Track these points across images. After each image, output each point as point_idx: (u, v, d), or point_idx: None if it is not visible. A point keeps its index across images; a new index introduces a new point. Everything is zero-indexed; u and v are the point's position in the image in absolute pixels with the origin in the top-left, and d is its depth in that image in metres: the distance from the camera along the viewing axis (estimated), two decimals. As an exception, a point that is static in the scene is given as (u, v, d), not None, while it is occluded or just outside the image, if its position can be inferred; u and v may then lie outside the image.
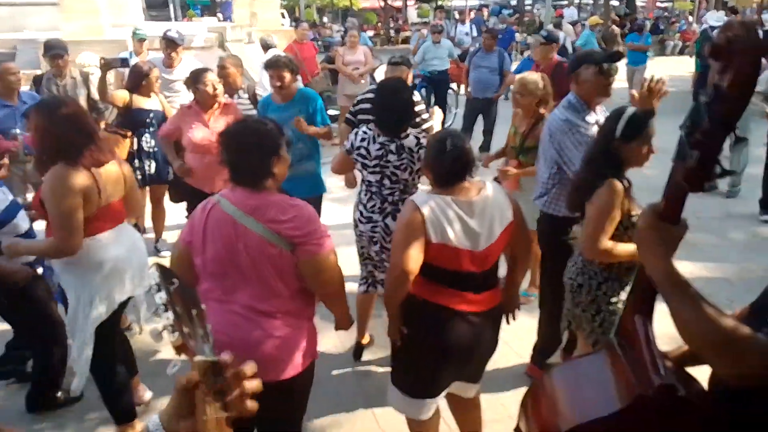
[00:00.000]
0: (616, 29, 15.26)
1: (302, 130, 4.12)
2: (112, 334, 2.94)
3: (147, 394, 3.39)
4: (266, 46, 8.28)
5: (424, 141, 3.24)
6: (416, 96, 3.82)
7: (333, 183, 6.16)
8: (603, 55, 3.19)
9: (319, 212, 4.56)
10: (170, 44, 5.58)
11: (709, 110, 1.23)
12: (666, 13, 30.05)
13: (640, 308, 1.51)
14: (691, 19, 27.21)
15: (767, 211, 5.98)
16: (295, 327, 2.21)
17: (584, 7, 30.36)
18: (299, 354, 2.21)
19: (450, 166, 2.36)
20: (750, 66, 1.16)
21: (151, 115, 4.89)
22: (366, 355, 3.83)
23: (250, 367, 0.97)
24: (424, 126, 4.01)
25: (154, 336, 1.00)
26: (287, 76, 4.16)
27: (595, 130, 3.12)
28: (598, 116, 3.20)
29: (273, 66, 4.19)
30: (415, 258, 2.30)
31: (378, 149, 3.25)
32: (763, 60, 4.50)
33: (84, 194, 2.62)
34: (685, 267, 4.62)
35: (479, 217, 2.34)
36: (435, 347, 2.40)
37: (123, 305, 2.94)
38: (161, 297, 1.02)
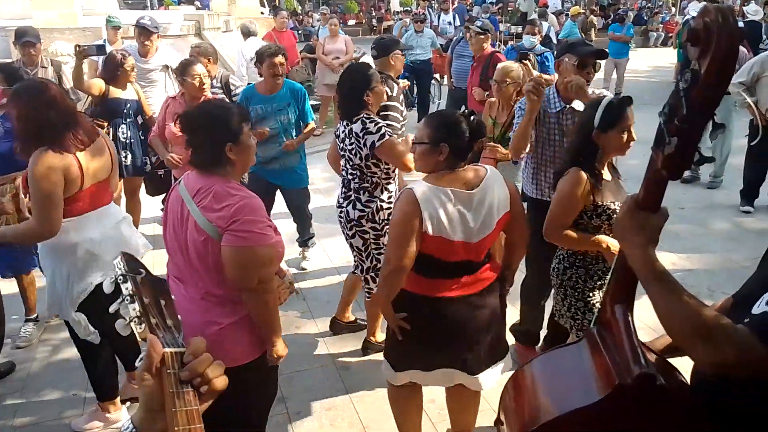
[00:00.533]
0: (594, 19, 15.29)
1: (292, 148, 4.34)
2: (96, 316, 2.90)
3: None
4: (247, 33, 8.15)
5: (371, 126, 3.16)
6: (389, 89, 3.71)
7: (316, 174, 6.14)
8: (587, 50, 3.18)
9: (307, 201, 4.76)
10: (143, 32, 5.46)
11: (687, 96, 1.21)
12: (649, 4, 30.18)
13: (619, 297, 1.49)
14: (673, 10, 27.35)
15: (748, 201, 6.03)
16: (237, 316, 2.17)
17: (567, -2, 30.37)
18: (243, 345, 2.18)
19: (469, 140, 2.33)
20: (727, 50, 1.14)
21: (128, 105, 4.78)
22: (347, 347, 3.79)
23: (196, 342, 0.97)
24: (395, 125, 3.80)
25: (120, 327, 0.98)
26: (284, 62, 4.27)
27: (563, 119, 3.22)
28: (575, 106, 3.20)
29: (272, 54, 4.22)
30: (411, 254, 2.28)
31: (342, 133, 3.33)
32: (745, 51, 4.58)
33: (65, 177, 2.61)
34: (668, 257, 4.66)
35: (477, 208, 2.31)
36: (430, 332, 2.41)
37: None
38: (127, 288, 0.99)
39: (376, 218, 3.34)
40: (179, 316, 1.03)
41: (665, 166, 1.29)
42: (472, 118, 2.35)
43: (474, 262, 2.40)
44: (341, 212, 3.42)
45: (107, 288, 1.03)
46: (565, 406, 1.39)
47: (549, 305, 3.57)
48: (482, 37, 6.26)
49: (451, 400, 2.76)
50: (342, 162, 3.40)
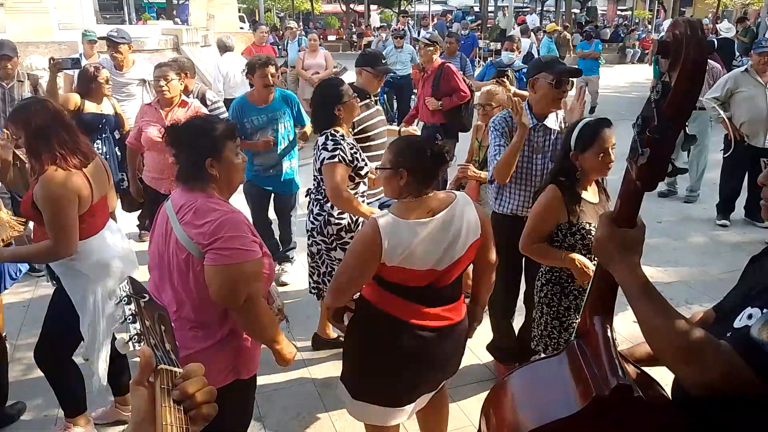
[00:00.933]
0: (568, 35, 15.53)
1: (306, 137, 4.54)
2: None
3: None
4: (224, 48, 8.08)
5: (330, 144, 3.20)
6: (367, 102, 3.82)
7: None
8: (563, 68, 3.18)
9: (293, 207, 4.84)
10: (111, 44, 5.42)
11: (659, 107, 1.23)
12: (626, 22, 30.79)
13: (598, 309, 1.50)
14: (649, 27, 27.95)
15: (724, 215, 6.11)
16: (209, 342, 2.10)
17: (547, 15, 30.89)
18: (214, 372, 2.08)
19: (431, 166, 2.26)
20: (696, 61, 1.16)
21: (104, 120, 4.72)
22: (326, 364, 3.75)
23: (193, 368, 0.98)
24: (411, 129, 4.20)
25: (120, 345, 0.99)
26: (275, 72, 4.38)
27: (537, 136, 3.22)
28: (549, 123, 3.21)
29: (263, 65, 4.30)
30: (360, 283, 2.31)
31: (357, 151, 3.37)
32: (719, 66, 4.66)
33: (79, 194, 2.63)
34: (646, 270, 4.58)
35: (443, 236, 2.23)
36: (386, 357, 2.32)
37: None
38: (130, 308, 1.03)
39: (324, 232, 3.40)
40: (177, 343, 1.06)
41: (639, 177, 1.30)
42: (436, 143, 2.29)
43: (441, 290, 2.31)
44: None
45: (111, 309, 1.06)
46: (544, 418, 1.38)
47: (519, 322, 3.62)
48: (431, 48, 6.32)
49: (422, 418, 2.71)
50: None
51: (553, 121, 3.22)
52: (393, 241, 2.16)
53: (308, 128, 4.61)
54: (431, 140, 2.33)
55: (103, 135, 4.71)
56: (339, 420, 3.22)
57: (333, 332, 3.89)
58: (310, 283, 3.71)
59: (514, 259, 3.21)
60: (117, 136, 4.83)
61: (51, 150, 2.58)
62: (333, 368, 3.68)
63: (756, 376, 1.18)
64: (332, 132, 3.26)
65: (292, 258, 4.99)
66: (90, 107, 4.65)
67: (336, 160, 3.16)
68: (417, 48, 7.28)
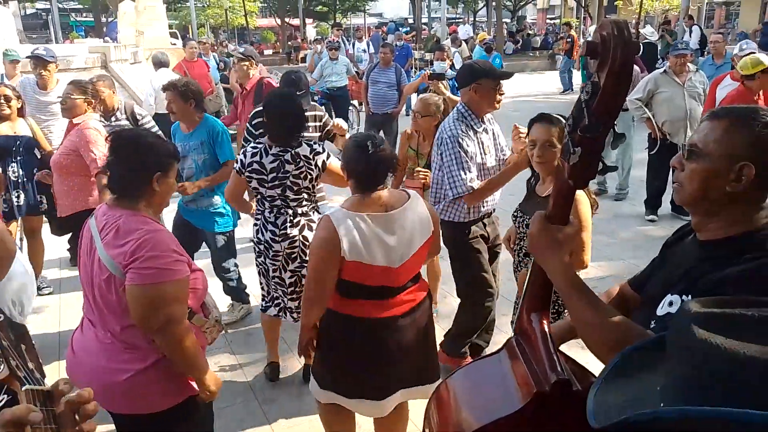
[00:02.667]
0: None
1: (185, 192, 3.88)
2: None
3: None
4: (159, 64, 7.89)
5: (317, 147, 3.27)
6: (320, 107, 3.89)
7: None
8: (502, 73, 3.35)
9: (233, 251, 4.27)
10: (39, 62, 5.23)
11: (589, 107, 1.26)
12: (555, 30, 31.78)
13: (535, 306, 1.52)
14: (576, 35, 28.92)
15: (652, 211, 6.37)
16: (148, 361, 2.02)
17: (479, 24, 31.62)
18: (158, 392, 2.04)
19: (373, 167, 2.30)
20: (623, 61, 1.19)
21: (18, 142, 4.48)
22: (272, 382, 3.67)
23: (87, 392, 0.96)
24: (328, 127, 4.10)
25: None
26: (176, 102, 3.87)
27: (485, 137, 3.32)
28: (486, 125, 3.36)
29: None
30: (331, 278, 2.30)
31: (273, 161, 3.16)
32: (638, 69, 4.85)
33: None
34: (581, 267, 4.83)
35: (398, 232, 2.30)
36: (357, 356, 2.38)
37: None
38: None
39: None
40: (40, 359, 1.04)
41: (571, 175, 1.33)
42: (372, 142, 2.31)
43: (395, 288, 2.38)
44: (293, 242, 3.26)
45: None
46: (487, 417, 1.39)
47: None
48: (245, 63, 5.96)
49: (379, 423, 2.70)
50: (273, 192, 3.22)
51: (489, 122, 3.39)
52: (348, 232, 2.22)
53: (225, 168, 3.95)
54: (378, 140, 2.36)
55: (18, 158, 4.47)
56: (287, 436, 3.17)
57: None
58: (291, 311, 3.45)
59: (481, 260, 3.42)
60: (38, 156, 4.60)
61: None
62: (275, 385, 3.61)
63: None
64: (308, 137, 3.39)
65: (240, 312, 4.43)
66: (1, 129, 4.41)
67: (332, 156, 3.29)
68: (232, 62, 6.84)
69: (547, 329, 1.47)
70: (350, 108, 10.01)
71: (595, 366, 1.51)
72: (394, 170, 2.40)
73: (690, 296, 1.29)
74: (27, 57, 5.40)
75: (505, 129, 3.42)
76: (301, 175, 3.20)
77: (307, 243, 3.24)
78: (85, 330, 2.14)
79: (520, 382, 1.42)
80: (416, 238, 2.34)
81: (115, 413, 2.10)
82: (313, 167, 3.20)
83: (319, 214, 3.37)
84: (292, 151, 3.17)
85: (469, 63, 3.81)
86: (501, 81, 3.26)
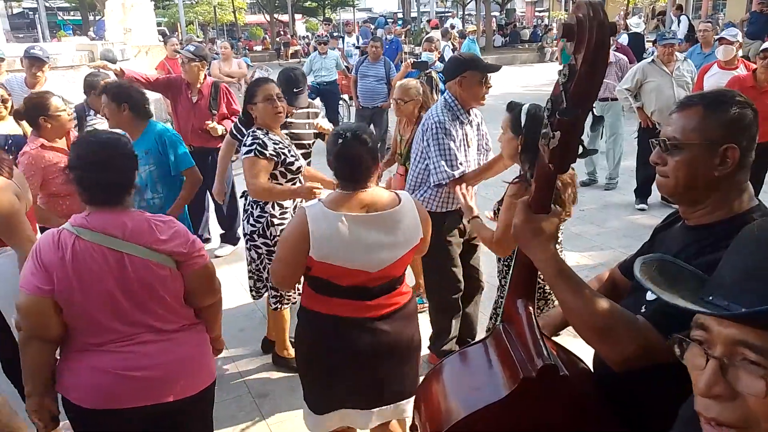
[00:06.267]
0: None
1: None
2: None
3: None
4: (110, 61, 7.43)
5: (248, 140, 3.24)
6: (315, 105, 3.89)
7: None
8: (488, 66, 3.29)
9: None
10: (35, 62, 5.15)
11: (566, 89, 1.26)
12: (544, 22, 31.82)
13: (521, 292, 1.52)
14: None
15: (642, 200, 6.40)
16: (201, 336, 2.21)
17: (468, 18, 31.58)
18: (211, 360, 2.26)
19: (350, 157, 2.15)
20: (599, 42, 1.19)
21: (10, 141, 4.43)
22: (261, 373, 3.67)
23: None
24: (316, 121, 4.03)
25: None
26: (108, 106, 3.46)
27: (469, 129, 3.30)
28: (472, 117, 3.34)
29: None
30: (295, 271, 2.23)
31: (285, 147, 3.30)
32: (625, 58, 4.86)
33: (18, 198, 2.60)
34: (571, 256, 4.85)
35: (380, 236, 2.14)
36: (333, 357, 2.25)
37: None
38: None
39: (267, 234, 3.36)
40: None
41: (552, 160, 1.33)
42: (353, 132, 2.17)
43: (371, 289, 2.22)
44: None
45: None
46: (475, 404, 1.39)
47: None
48: (196, 64, 5.06)
49: None
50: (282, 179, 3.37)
51: (474, 115, 3.36)
52: (318, 230, 2.10)
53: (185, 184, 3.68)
54: (346, 134, 2.18)
55: (10, 157, 4.43)
56: (279, 427, 3.16)
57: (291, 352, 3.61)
58: (251, 288, 3.59)
59: (452, 253, 3.36)
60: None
61: None
62: (268, 379, 3.62)
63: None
64: (256, 128, 3.28)
65: None
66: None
67: (251, 155, 3.15)
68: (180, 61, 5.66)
69: (533, 315, 1.48)
70: (340, 102, 9.98)
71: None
72: (376, 166, 2.23)
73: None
74: (24, 56, 5.32)
75: (494, 120, 3.42)
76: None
77: (243, 232, 3.42)
78: (141, 349, 2.00)
79: (506, 369, 1.43)
80: (401, 244, 2.19)
81: (187, 397, 2.10)
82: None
83: (268, 214, 3.40)
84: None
85: (455, 55, 3.80)
86: (488, 74, 3.21)
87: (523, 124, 2.49)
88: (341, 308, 2.22)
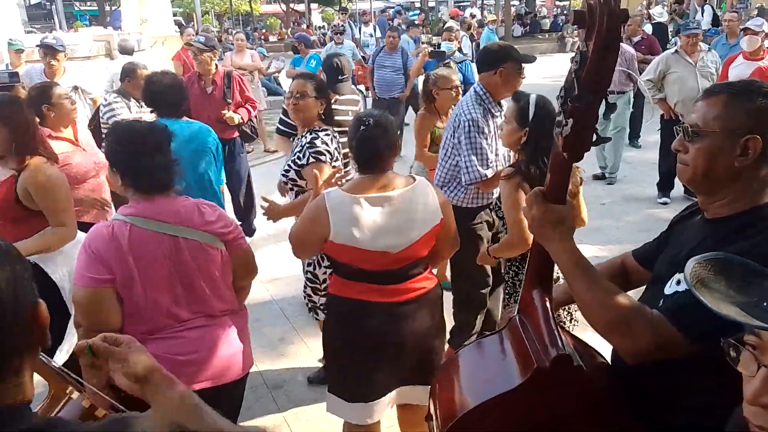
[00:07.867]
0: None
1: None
2: None
3: None
4: (127, 51, 7.33)
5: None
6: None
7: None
8: (524, 56, 3.25)
9: None
10: (49, 51, 5.20)
11: (578, 77, 1.25)
12: (564, 12, 31.44)
13: (537, 282, 1.52)
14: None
15: (665, 193, 6.31)
16: (243, 320, 2.27)
17: (487, 7, 31.29)
18: (250, 346, 2.30)
19: (371, 142, 2.18)
20: (609, 29, 1.18)
21: None
22: (277, 365, 3.68)
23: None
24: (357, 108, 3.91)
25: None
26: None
27: (499, 121, 3.19)
28: (501, 109, 3.25)
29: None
30: (308, 251, 2.42)
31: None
32: (631, 50, 4.76)
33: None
34: (590, 250, 4.81)
35: (396, 215, 2.19)
36: (359, 343, 2.29)
37: None
38: None
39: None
40: None
41: (566, 148, 1.31)
42: (375, 119, 2.21)
43: (395, 272, 2.26)
44: None
45: None
46: (489, 393, 1.40)
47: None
48: (208, 54, 5.10)
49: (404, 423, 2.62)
50: None
51: (503, 107, 3.26)
52: (338, 215, 2.16)
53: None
54: (367, 122, 2.21)
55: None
56: (295, 420, 3.17)
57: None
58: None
59: (481, 248, 3.24)
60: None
61: (35, 142, 2.70)
62: (282, 369, 3.63)
63: (685, 338, 1.21)
64: (317, 128, 3.07)
65: None
66: None
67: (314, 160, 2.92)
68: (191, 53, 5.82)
69: (549, 306, 1.47)
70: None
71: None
72: (394, 153, 2.27)
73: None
74: (37, 46, 5.36)
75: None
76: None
77: None
78: (196, 334, 2.04)
79: (521, 359, 1.43)
80: (418, 223, 2.23)
81: (229, 382, 2.13)
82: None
83: None
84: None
85: (494, 44, 3.69)
86: (523, 66, 3.17)
87: (531, 116, 2.48)
88: (367, 294, 2.27)
